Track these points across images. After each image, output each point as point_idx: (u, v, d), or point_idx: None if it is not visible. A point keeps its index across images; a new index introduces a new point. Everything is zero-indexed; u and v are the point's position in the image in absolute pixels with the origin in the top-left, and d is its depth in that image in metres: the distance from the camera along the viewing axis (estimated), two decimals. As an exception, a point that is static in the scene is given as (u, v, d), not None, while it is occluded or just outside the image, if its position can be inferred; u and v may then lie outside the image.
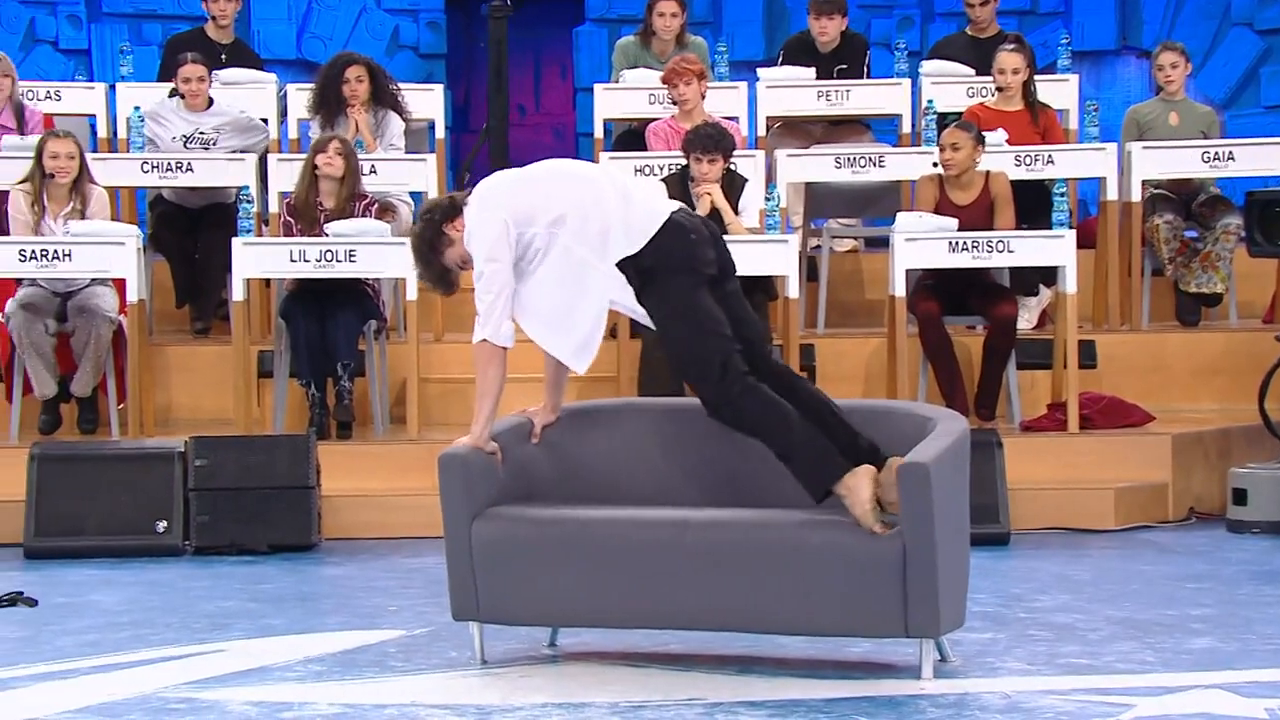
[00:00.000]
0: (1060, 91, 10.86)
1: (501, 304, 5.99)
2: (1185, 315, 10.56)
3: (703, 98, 10.13)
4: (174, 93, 10.52)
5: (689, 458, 6.37)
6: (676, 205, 6.24)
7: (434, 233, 6.14)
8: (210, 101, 10.50)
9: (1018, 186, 9.67)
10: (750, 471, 6.29)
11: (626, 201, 6.07)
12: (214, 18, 11.47)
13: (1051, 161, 10.08)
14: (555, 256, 6.02)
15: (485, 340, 6.01)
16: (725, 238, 9.06)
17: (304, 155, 9.64)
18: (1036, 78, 10.51)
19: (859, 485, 5.81)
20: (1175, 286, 10.53)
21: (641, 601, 5.98)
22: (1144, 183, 10.31)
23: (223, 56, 11.29)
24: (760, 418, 5.94)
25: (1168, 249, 10.44)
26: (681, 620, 6.01)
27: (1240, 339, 10.18)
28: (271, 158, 10.27)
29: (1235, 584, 7.63)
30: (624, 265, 6.01)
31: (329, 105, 10.40)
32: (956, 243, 9.21)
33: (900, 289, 9.27)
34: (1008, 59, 10.33)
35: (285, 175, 9.84)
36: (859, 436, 5.96)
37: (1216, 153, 10.28)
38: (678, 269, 6.04)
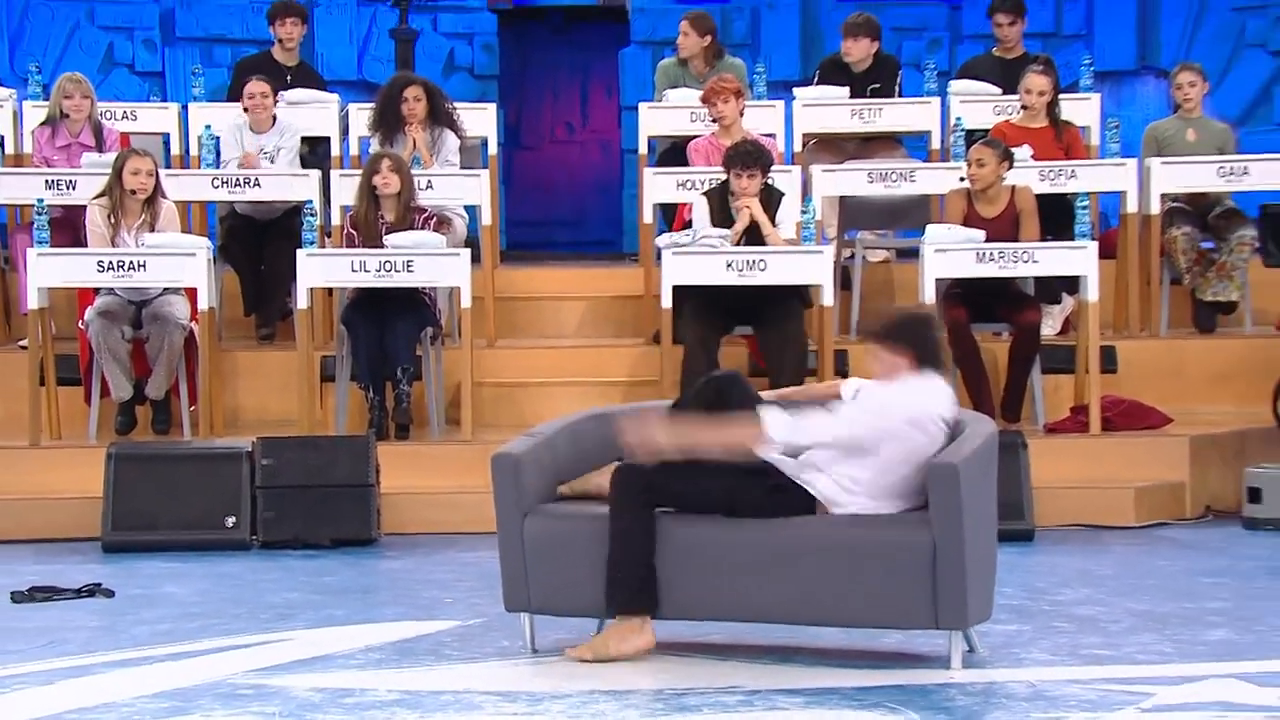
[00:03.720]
0: (1083, 109, 10.83)
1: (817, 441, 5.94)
2: (1202, 322, 10.52)
3: (741, 115, 10.13)
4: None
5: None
6: None
7: None
8: (274, 120, 10.53)
9: (1042, 200, 9.64)
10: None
11: None
12: (280, 41, 11.51)
13: (1074, 176, 10.06)
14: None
15: (768, 435, 5.88)
16: (764, 248, 9.16)
17: (363, 171, 9.64)
18: (1060, 96, 10.48)
19: (633, 635, 5.94)
20: (1192, 295, 10.49)
21: (685, 594, 5.98)
22: (1163, 196, 10.28)
23: (288, 78, 11.32)
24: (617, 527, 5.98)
25: (1185, 259, 10.40)
26: (723, 612, 6.01)
27: (1255, 345, 10.14)
28: (334, 173, 10.30)
29: (1250, 578, 7.60)
30: None
31: (388, 123, 10.42)
32: (983, 253, 9.18)
33: (930, 297, 9.25)
34: (1035, 81, 10.30)
35: (347, 190, 9.86)
36: None
37: (1232, 168, 10.25)
38: None
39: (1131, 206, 10.25)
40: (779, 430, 5.86)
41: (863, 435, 5.88)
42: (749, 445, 5.88)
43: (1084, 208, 9.44)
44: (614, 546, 5.95)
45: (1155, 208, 10.25)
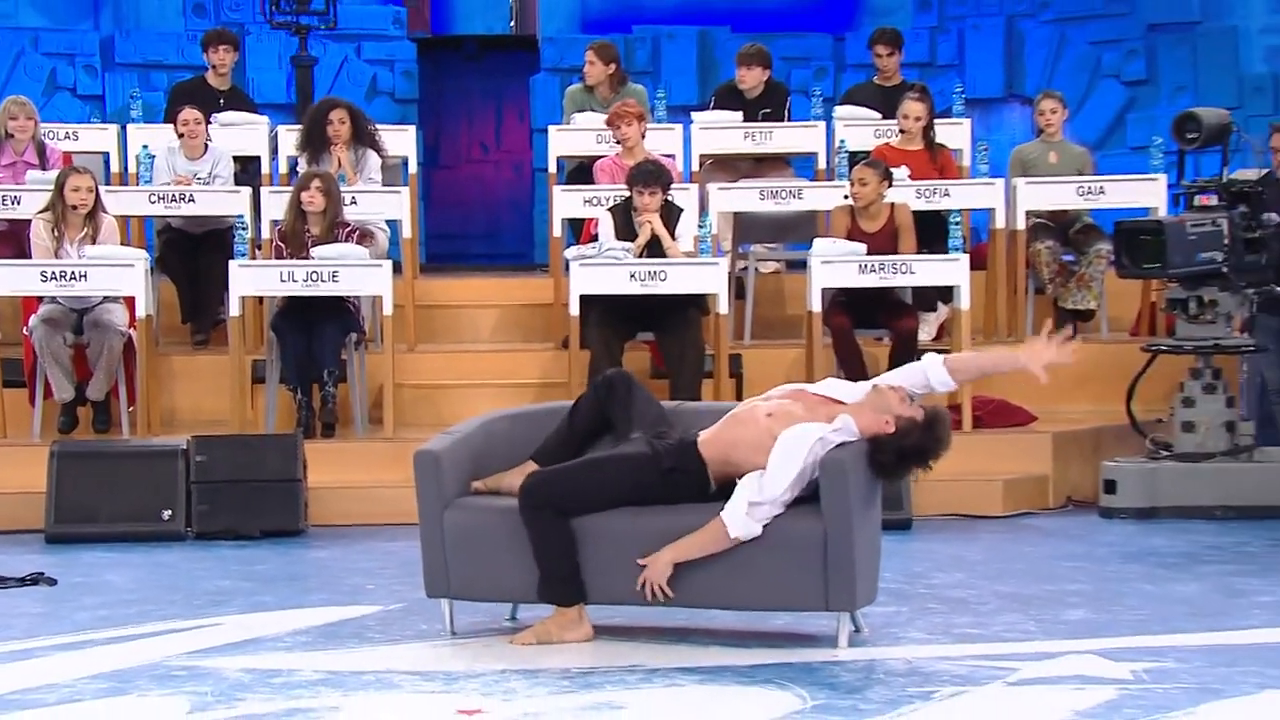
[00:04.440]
0: (955, 133, 10.91)
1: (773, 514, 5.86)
2: (1063, 328, 10.59)
3: (643, 138, 10.14)
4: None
5: (632, 454, 6.37)
6: None
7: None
8: (206, 147, 10.45)
9: (918, 216, 9.70)
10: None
11: None
12: (214, 67, 11.43)
13: (948, 194, 10.12)
14: None
15: (738, 537, 5.82)
16: (664, 260, 9.17)
17: (292, 188, 9.59)
18: (935, 121, 10.56)
19: (573, 625, 5.98)
20: (1054, 303, 10.57)
21: (592, 580, 5.97)
22: (1027, 213, 10.36)
23: (221, 101, 11.25)
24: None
25: (1048, 271, 10.50)
26: (627, 597, 6.00)
27: (1110, 350, 10.23)
28: (264, 190, 10.24)
29: (1106, 563, 7.67)
30: None
31: (315, 144, 10.37)
32: (865, 265, 9.23)
33: (817, 305, 9.29)
34: (912, 107, 10.37)
35: (276, 205, 9.80)
36: None
37: (1089, 187, 10.35)
38: None
39: (999, 222, 10.33)
40: (740, 528, 5.80)
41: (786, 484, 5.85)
42: (722, 545, 5.82)
43: (956, 223, 9.51)
44: (535, 550, 5.95)
45: (1021, 224, 10.33)
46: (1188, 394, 9.07)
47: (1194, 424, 9.01)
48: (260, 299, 9.76)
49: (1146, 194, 10.25)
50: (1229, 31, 12.84)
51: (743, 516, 5.79)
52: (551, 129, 11.20)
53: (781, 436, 5.84)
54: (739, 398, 9.33)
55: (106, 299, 9.31)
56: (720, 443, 5.97)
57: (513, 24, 14.90)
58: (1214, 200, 9.05)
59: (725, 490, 5.90)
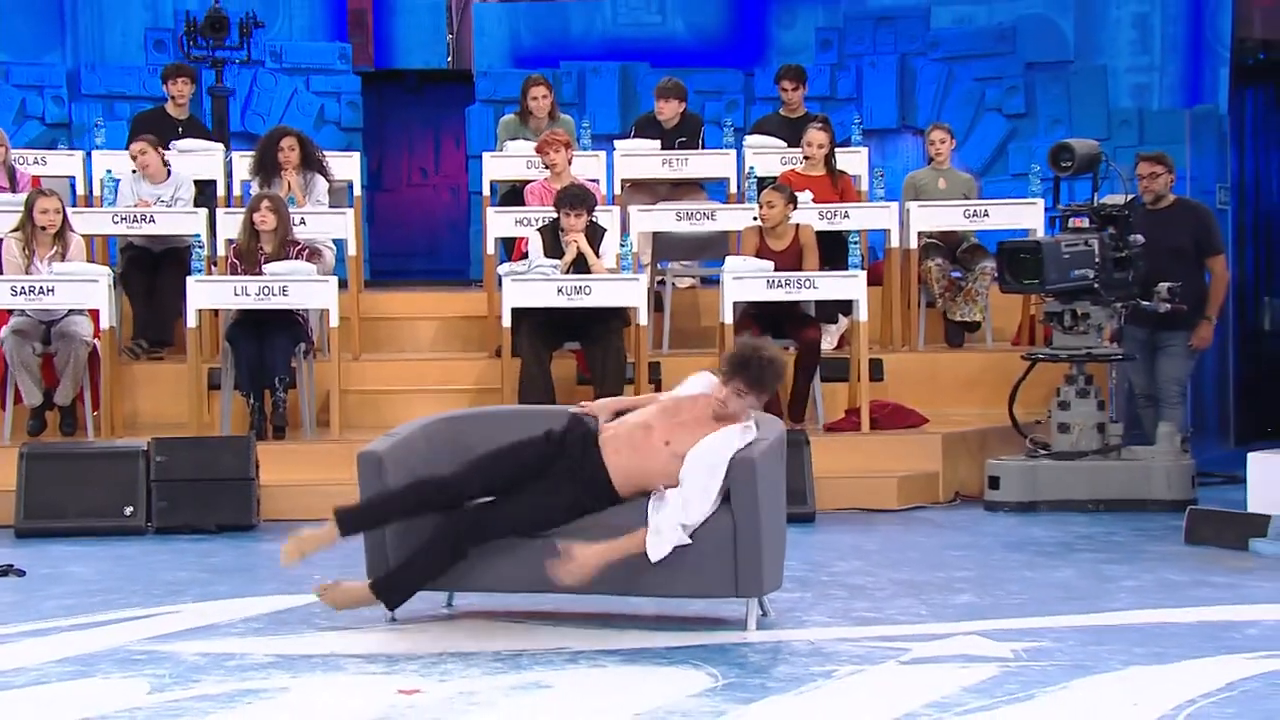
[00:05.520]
0: (854, 161, 10.95)
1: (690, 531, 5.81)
2: (952, 339, 10.69)
3: (569, 163, 10.12)
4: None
5: (559, 454, 6.35)
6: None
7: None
8: (169, 172, 10.36)
9: (821, 236, 9.75)
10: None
11: None
12: (172, 98, 11.35)
13: (847, 216, 10.16)
14: None
15: (657, 558, 5.79)
16: (589, 275, 9.17)
17: (245, 209, 9.53)
18: (836, 150, 10.60)
19: (360, 605, 6.05)
20: (944, 316, 10.65)
21: (521, 570, 5.96)
22: (919, 234, 10.43)
23: (179, 129, 11.16)
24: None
25: (938, 286, 10.57)
26: (554, 585, 5.99)
27: (995, 358, 10.31)
28: (219, 211, 10.17)
29: (990, 552, 7.72)
30: None
31: (266, 169, 10.30)
32: (773, 280, 9.26)
33: (729, 317, 9.31)
34: (815, 135, 10.41)
35: (231, 225, 9.73)
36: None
37: (975, 211, 10.43)
38: None
39: (894, 242, 10.38)
40: (662, 554, 5.76)
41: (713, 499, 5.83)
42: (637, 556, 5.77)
43: (855, 243, 9.56)
44: (418, 555, 5.93)
45: (914, 243, 10.40)
46: (1063, 398, 9.14)
47: (1069, 425, 9.08)
48: (216, 311, 9.68)
49: (1026, 217, 10.32)
50: (1099, 70, 12.97)
51: (669, 544, 5.75)
52: (486, 155, 11.17)
53: (697, 455, 5.79)
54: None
55: (72, 311, 9.22)
56: (628, 472, 5.88)
57: (450, 59, 14.85)
58: (1086, 223, 9.12)
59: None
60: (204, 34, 12.68)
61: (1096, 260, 9.00)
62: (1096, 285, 9.02)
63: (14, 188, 10.18)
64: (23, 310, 9.15)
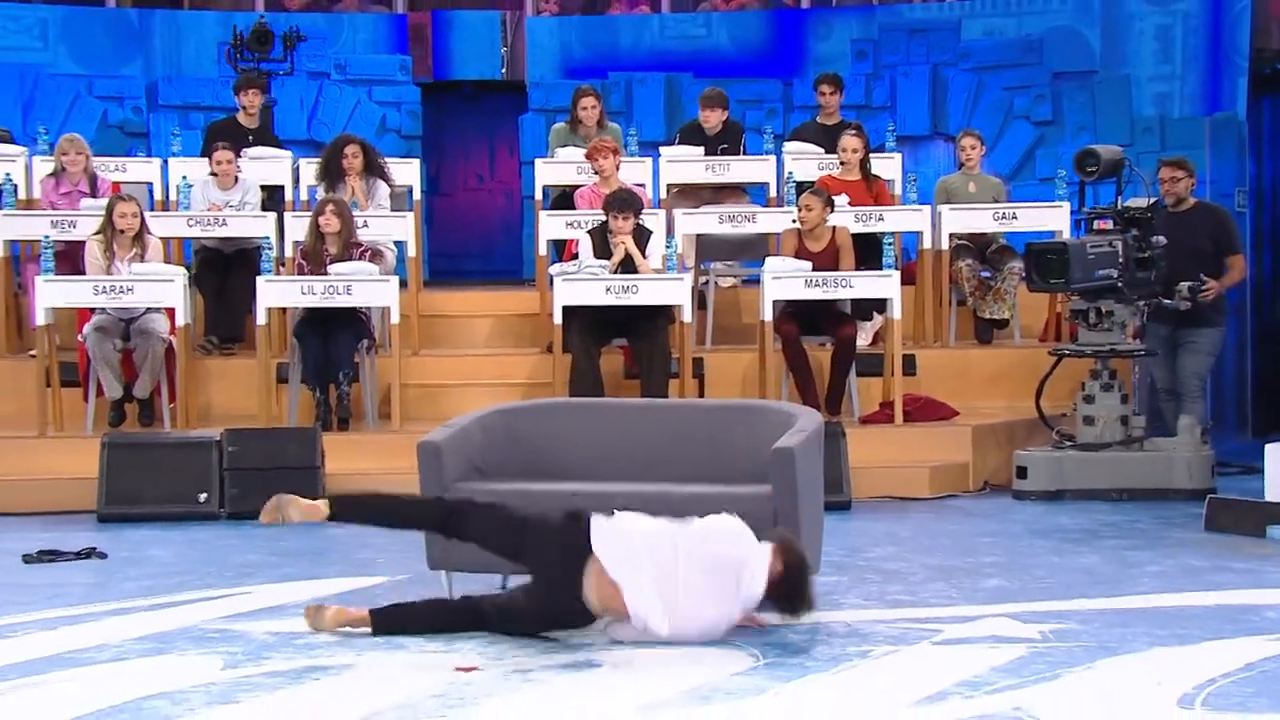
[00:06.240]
0: (888, 166, 10.91)
1: None
2: (981, 335, 10.64)
3: (617, 169, 10.12)
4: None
5: (609, 443, 6.37)
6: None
7: None
8: (237, 179, 10.41)
9: (856, 238, 9.71)
10: (657, 453, 6.29)
11: None
12: (244, 108, 11.38)
13: (882, 219, 10.13)
14: None
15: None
16: (635, 275, 9.17)
17: (311, 213, 9.57)
18: (871, 155, 10.56)
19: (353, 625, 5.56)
20: (974, 314, 10.60)
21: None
22: (950, 235, 10.39)
23: (250, 138, 11.20)
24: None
25: (968, 285, 10.52)
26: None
27: (1022, 354, 10.26)
28: (288, 215, 10.22)
29: (1018, 538, 7.69)
30: None
31: (331, 175, 10.34)
32: (811, 280, 9.24)
33: (768, 315, 9.29)
34: (849, 141, 10.38)
35: (298, 228, 9.77)
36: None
37: (1004, 213, 10.36)
38: None
39: (926, 243, 10.34)
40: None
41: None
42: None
43: (889, 244, 9.52)
44: (432, 617, 5.56)
45: (945, 244, 10.35)
46: (1088, 392, 9.09)
47: (1094, 418, 9.03)
48: (284, 309, 9.73)
49: (1053, 219, 10.25)
50: (1123, 80, 12.90)
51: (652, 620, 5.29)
52: (538, 161, 11.18)
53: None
54: (701, 394, 9.35)
55: (150, 310, 9.27)
56: (608, 604, 5.38)
57: (504, 70, 14.87)
58: (1110, 225, 9.07)
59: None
60: (250, 47, 12.73)
61: (1120, 260, 8.95)
62: (1120, 284, 8.96)
63: (95, 193, 10.24)
64: (104, 309, 9.22)
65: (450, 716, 4.63)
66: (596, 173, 10.15)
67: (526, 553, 5.44)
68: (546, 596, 5.39)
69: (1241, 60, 12.56)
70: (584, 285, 9.16)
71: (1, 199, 10.15)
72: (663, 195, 10.82)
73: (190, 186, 10.33)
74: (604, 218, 9.41)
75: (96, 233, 9.41)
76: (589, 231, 9.54)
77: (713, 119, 11.15)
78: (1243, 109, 12.46)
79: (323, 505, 5.71)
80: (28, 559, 7.18)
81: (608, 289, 9.11)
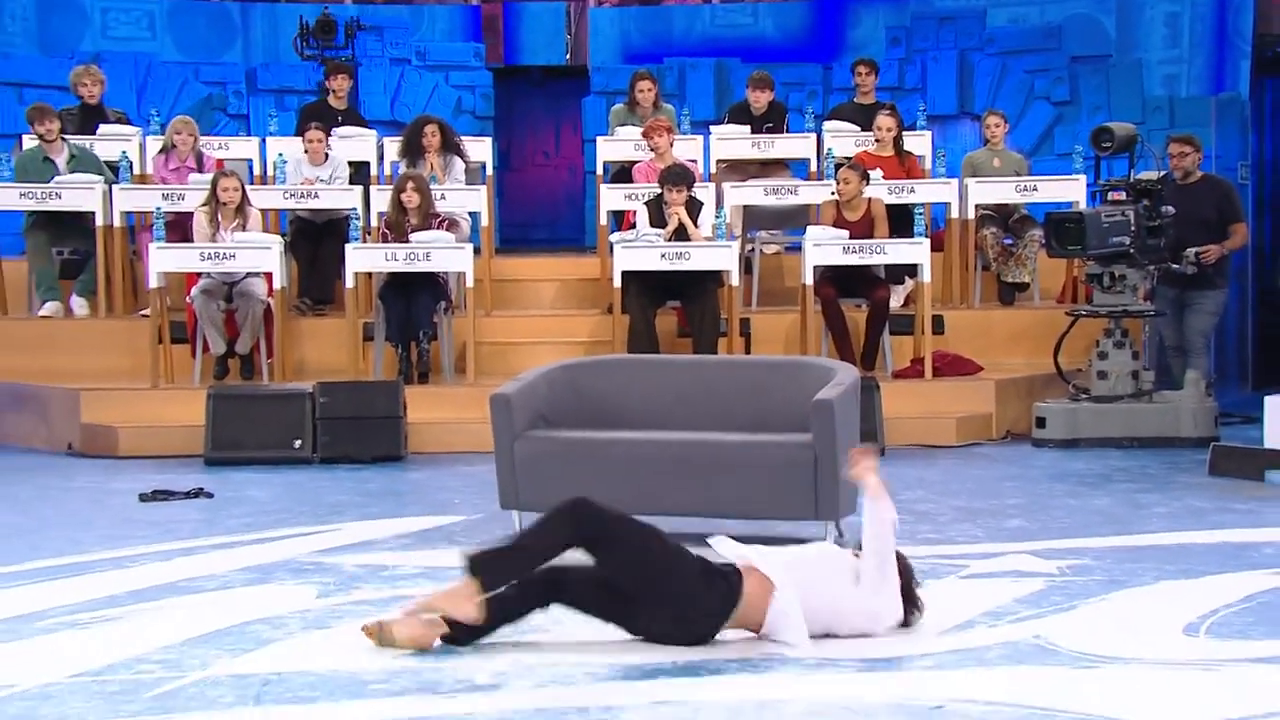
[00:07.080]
0: (919, 143, 10.82)
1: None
2: (1004, 298, 10.56)
3: (671, 146, 10.09)
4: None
5: (666, 394, 6.38)
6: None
7: None
8: (327, 156, 10.44)
9: (890, 208, 9.65)
10: (707, 404, 6.28)
11: None
12: (333, 91, 11.41)
13: (913, 191, 10.06)
14: None
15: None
16: (688, 243, 9.14)
17: (393, 187, 9.59)
18: (903, 133, 10.48)
19: (463, 601, 4.49)
20: (997, 278, 10.52)
21: (633, 494, 5.96)
22: (976, 206, 10.30)
23: (339, 119, 11.23)
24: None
25: (992, 252, 10.44)
26: (660, 508, 5.99)
27: (1041, 314, 10.19)
28: (373, 189, 10.25)
29: (1037, 483, 7.65)
30: None
31: (412, 151, 10.34)
32: (848, 247, 9.19)
33: (809, 279, 9.25)
34: (884, 120, 10.31)
35: (382, 201, 9.79)
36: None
37: (1025, 186, 10.29)
38: None
39: (954, 213, 10.26)
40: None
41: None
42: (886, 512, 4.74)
43: (920, 214, 9.44)
44: (527, 536, 4.58)
45: (971, 214, 10.27)
46: (1102, 349, 9.02)
47: (1107, 373, 8.96)
48: (370, 274, 9.76)
49: (1070, 191, 10.17)
50: (1135, 63, 12.76)
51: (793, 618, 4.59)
52: (599, 139, 11.15)
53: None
54: (747, 352, 9.32)
55: (250, 274, 9.32)
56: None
57: (568, 56, 14.83)
58: (1123, 196, 8.99)
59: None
60: (315, 35, 12.73)
61: (1132, 229, 8.86)
62: (1132, 250, 8.88)
63: (201, 169, 10.30)
64: (209, 273, 9.28)
65: (519, 639, 4.64)
66: (652, 149, 10.12)
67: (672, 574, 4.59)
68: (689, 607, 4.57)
69: (1245, 44, 12.40)
70: (641, 252, 9.14)
71: (119, 174, 10.22)
72: (713, 170, 10.77)
73: (285, 163, 10.37)
74: (659, 190, 9.38)
75: (203, 205, 9.46)
76: (645, 203, 9.51)
77: (760, 100, 11.09)
78: (1246, 89, 12.32)
79: (472, 608, 4.50)
80: (143, 498, 7.26)
81: (662, 255, 9.09)
